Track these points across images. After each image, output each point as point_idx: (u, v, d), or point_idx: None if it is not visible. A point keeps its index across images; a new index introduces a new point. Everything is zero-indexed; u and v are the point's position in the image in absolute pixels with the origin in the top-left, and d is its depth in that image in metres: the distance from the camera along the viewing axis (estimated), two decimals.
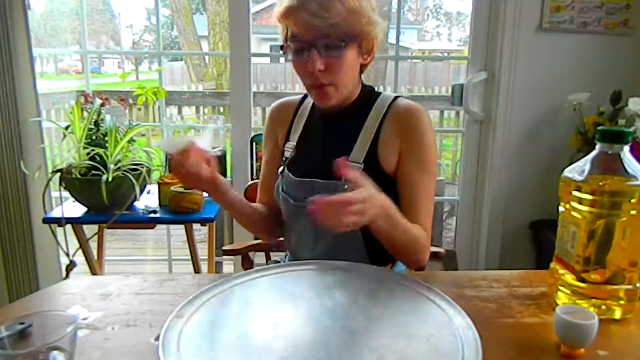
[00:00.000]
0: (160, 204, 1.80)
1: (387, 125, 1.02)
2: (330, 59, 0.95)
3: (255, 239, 1.48)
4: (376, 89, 1.12)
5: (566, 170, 0.80)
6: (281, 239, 1.21)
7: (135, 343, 0.71)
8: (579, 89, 1.96)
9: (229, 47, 2.07)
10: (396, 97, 1.06)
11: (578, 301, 0.78)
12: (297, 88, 6.57)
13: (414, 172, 1.01)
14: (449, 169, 4.83)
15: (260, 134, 1.97)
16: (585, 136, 1.92)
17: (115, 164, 1.65)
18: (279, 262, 1.22)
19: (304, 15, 0.92)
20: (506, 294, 0.87)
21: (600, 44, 2.03)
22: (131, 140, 1.74)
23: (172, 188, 1.74)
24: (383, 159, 1.01)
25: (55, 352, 0.59)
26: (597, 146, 0.77)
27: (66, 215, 1.71)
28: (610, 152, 0.75)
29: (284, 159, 1.13)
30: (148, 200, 1.85)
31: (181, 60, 10.16)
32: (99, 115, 1.73)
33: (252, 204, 1.17)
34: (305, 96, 1.16)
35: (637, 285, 0.78)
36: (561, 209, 0.82)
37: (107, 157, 1.66)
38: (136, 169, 1.69)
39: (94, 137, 1.71)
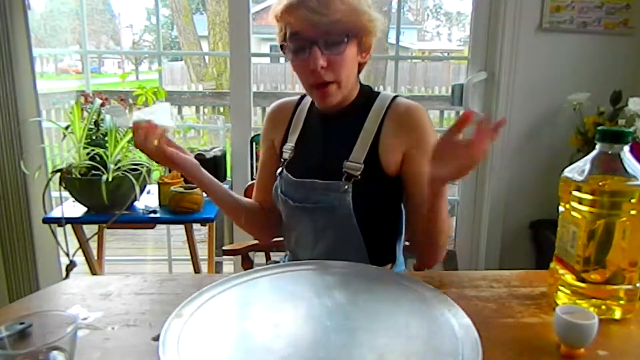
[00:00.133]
0: (160, 204, 1.80)
1: (388, 125, 1.02)
2: (332, 56, 0.95)
3: (255, 238, 1.48)
4: (376, 89, 1.12)
5: (566, 170, 0.80)
6: (277, 239, 1.21)
7: (135, 343, 0.71)
8: (579, 89, 1.96)
9: (229, 47, 2.07)
10: (395, 97, 1.06)
11: (578, 301, 0.78)
12: (297, 88, 6.57)
13: (426, 171, 1.00)
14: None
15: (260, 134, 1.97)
16: (585, 136, 1.92)
17: (115, 164, 1.65)
18: (278, 262, 1.22)
19: (305, 12, 0.91)
20: (506, 294, 0.87)
21: (600, 44, 2.03)
22: (131, 140, 1.74)
23: (172, 188, 1.74)
24: (384, 159, 1.01)
25: (55, 352, 0.59)
26: (597, 146, 0.77)
27: (66, 215, 1.71)
28: (610, 152, 0.75)
29: (282, 160, 1.12)
30: (148, 200, 1.85)
31: (181, 60, 10.15)
32: (99, 115, 1.73)
33: (241, 197, 1.18)
34: (303, 97, 1.16)
35: (637, 285, 0.78)
36: (561, 209, 0.82)
37: (107, 157, 1.66)
38: (136, 169, 1.69)
39: (94, 137, 1.71)
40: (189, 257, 2.07)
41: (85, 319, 0.78)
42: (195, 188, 1.72)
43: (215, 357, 0.65)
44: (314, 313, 0.75)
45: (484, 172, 2.16)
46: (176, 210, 1.73)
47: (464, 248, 2.30)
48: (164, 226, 2.56)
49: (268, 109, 1.21)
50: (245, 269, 1.07)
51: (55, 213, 1.74)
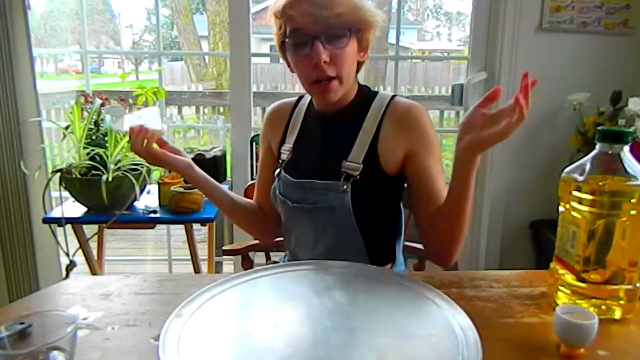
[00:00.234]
0: (160, 204, 1.80)
1: (387, 125, 1.02)
2: (334, 50, 0.95)
3: (256, 239, 1.48)
4: (375, 89, 1.12)
5: (566, 170, 0.80)
6: (278, 239, 1.21)
7: (135, 343, 0.71)
8: (579, 89, 1.96)
9: (229, 47, 2.07)
10: (393, 96, 1.06)
11: (578, 301, 0.78)
12: (296, 88, 6.57)
13: (433, 166, 1.01)
14: (449, 169, 4.83)
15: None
16: (585, 136, 1.92)
17: (115, 164, 1.65)
18: (278, 262, 1.22)
19: (308, 6, 0.91)
20: (506, 294, 0.87)
21: (600, 44, 2.03)
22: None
23: (172, 188, 1.74)
24: (383, 159, 1.01)
25: (55, 352, 0.59)
26: (597, 146, 0.77)
27: (66, 215, 1.71)
28: (610, 152, 0.75)
29: (280, 161, 1.12)
30: (148, 200, 1.85)
31: (181, 60, 10.15)
32: (99, 115, 1.73)
33: (240, 197, 1.18)
34: (301, 98, 1.16)
35: (637, 285, 0.78)
36: (561, 209, 0.82)
37: (107, 157, 1.66)
38: (136, 169, 1.69)
39: (94, 137, 1.71)
40: (189, 257, 2.07)
41: (85, 319, 0.78)
42: (195, 188, 1.72)
43: (215, 357, 0.65)
44: (314, 313, 0.75)
45: (484, 172, 2.16)
46: (176, 210, 1.73)
47: (464, 248, 2.26)
48: (164, 226, 2.56)
49: (266, 111, 1.21)
50: (245, 269, 1.07)
51: (55, 213, 1.74)
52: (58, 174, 1.67)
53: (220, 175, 2.00)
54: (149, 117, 1.02)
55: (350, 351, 0.66)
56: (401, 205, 1.13)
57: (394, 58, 2.40)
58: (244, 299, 0.80)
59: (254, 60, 2.13)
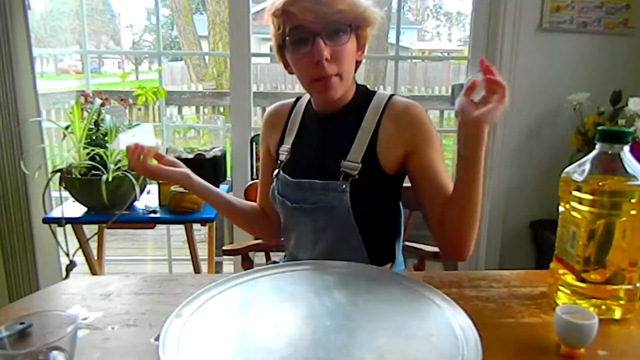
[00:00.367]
0: (160, 204, 1.80)
1: (386, 124, 1.02)
2: (335, 47, 0.95)
3: (256, 239, 1.48)
4: (375, 89, 1.12)
5: (566, 170, 0.80)
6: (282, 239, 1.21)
7: (135, 343, 0.71)
8: (579, 89, 1.96)
9: (229, 47, 2.08)
10: (391, 96, 1.06)
11: (578, 301, 0.78)
12: (296, 88, 6.56)
13: (436, 161, 1.00)
14: (450, 169, 4.83)
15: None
16: (585, 136, 1.92)
17: (115, 164, 1.65)
18: (278, 262, 1.22)
19: (308, 3, 0.91)
20: (506, 294, 0.87)
21: (600, 44, 2.03)
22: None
23: (172, 188, 1.74)
24: (382, 158, 1.01)
25: (55, 352, 0.59)
26: (597, 146, 0.77)
27: (66, 215, 1.71)
28: (610, 152, 0.75)
29: (278, 162, 1.12)
30: (148, 200, 1.85)
31: (181, 60, 10.15)
32: (99, 115, 1.73)
33: (241, 200, 1.19)
34: (299, 99, 1.16)
35: (637, 285, 0.78)
36: (561, 209, 0.82)
37: (107, 157, 1.66)
38: None
39: (94, 137, 1.71)
40: (189, 257, 2.07)
41: (85, 319, 0.78)
42: None
43: (215, 357, 0.65)
44: (314, 313, 0.75)
45: (484, 172, 2.16)
46: (176, 210, 1.73)
47: None
48: (164, 226, 2.56)
49: (264, 114, 1.21)
50: (245, 269, 1.07)
51: (55, 213, 1.74)
52: (58, 174, 1.67)
53: (220, 176, 2.00)
54: (143, 135, 1.06)
55: (350, 351, 0.66)
56: (401, 205, 1.13)
57: (394, 58, 2.40)
58: (244, 299, 0.80)
59: (254, 60, 2.13)
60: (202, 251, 2.07)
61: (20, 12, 1.83)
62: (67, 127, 1.70)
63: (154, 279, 0.94)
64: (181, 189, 1.73)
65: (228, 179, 2.17)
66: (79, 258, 1.87)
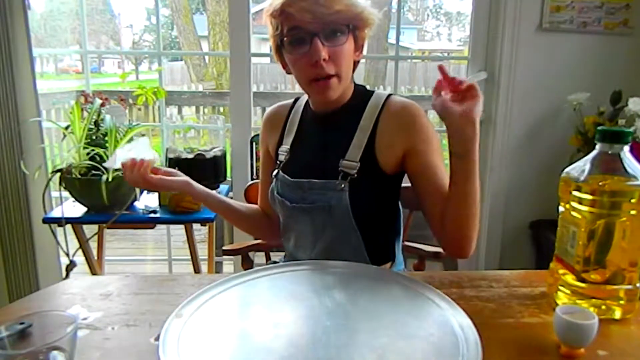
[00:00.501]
0: (160, 204, 1.80)
1: (384, 124, 1.02)
2: (333, 47, 0.95)
3: (256, 239, 1.48)
4: (375, 89, 1.12)
5: (566, 170, 0.80)
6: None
7: (135, 343, 0.71)
8: (579, 89, 1.96)
9: (229, 47, 2.08)
10: (389, 95, 1.06)
11: (578, 301, 0.78)
12: (296, 88, 6.55)
13: (435, 161, 1.00)
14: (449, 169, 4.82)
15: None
16: (585, 136, 1.92)
17: None
18: (278, 262, 1.22)
19: (306, 4, 0.91)
20: (506, 294, 0.87)
21: (600, 44, 2.03)
22: (131, 140, 1.74)
23: None
24: (381, 157, 1.01)
25: (55, 352, 0.59)
26: (597, 146, 0.77)
27: (66, 215, 1.71)
28: (610, 152, 0.75)
29: (277, 162, 1.12)
30: (148, 200, 1.85)
31: (181, 60, 10.15)
32: (99, 115, 1.73)
33: (241, 204, 1.19)
34: (297, 99, 1.16)
35: (637, 285, 0.78)
36: (561, 209, 0.82)
37: (107, 157, 1.66)
38: None
39: (94, 137, 1.71)
40: (189, 257, 2.07)
41: (85, 319, 0.78)
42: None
43: (215, 357, 0.65)
44: (314, 313, 0.75)
45: (484, 172, 2.16)
46: (176, 210, 1.73)
47: None
48: (164, 226, 2.56)
49: (263, 116, 1.22)
50: (245, 269, 1.07)
51: (55, 213, 1.74)
52: (58, 174, 1.67)
53: (220, 176, 2.00)
54: (140, 148, 1.07)
55: (350, 351, 0.66)
56: (400, 205, 1.13)
57: (394, 58, 2.40)
58: (244, 299, 0.80)
59: (254, 60, 2.13)
60: (202, 251, 2.07)
61: (20, 12, 1.83)
62: (67, 127, 1.70)
63: (154, 279, 0.94)
64: None
65: (228, 179, 2.17)
66: (79, 258, 1.87)
